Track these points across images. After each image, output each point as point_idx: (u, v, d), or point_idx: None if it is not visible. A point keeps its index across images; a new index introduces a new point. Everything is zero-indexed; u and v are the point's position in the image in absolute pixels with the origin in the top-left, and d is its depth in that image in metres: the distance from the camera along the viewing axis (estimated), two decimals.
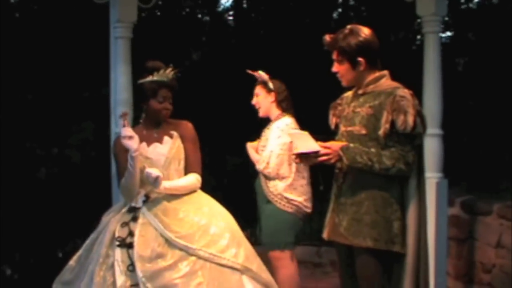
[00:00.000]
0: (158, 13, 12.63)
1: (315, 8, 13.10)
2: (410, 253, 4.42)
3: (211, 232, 4.78)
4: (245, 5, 13.88)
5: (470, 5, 13.06)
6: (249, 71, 6.14)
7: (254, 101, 6.21)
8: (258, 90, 6.17)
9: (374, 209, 4.42)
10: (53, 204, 9.02)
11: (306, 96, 10.62)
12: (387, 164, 4.34)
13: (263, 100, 6.16)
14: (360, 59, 4.48)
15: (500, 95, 10.57)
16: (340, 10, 13.89)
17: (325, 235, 4.68)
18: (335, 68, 4.57)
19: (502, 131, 10.01)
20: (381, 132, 4.38)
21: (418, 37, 12.28)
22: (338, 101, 4.79)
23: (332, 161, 4.46)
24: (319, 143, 4.47)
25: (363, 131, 4.45)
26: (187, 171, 4.98)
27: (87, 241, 4.95)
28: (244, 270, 4.76)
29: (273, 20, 13.03)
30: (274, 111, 6.17)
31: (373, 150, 4.38)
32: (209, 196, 5.05)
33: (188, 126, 5.04)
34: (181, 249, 4.65)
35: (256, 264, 4.85)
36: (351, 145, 4.44)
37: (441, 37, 7.06)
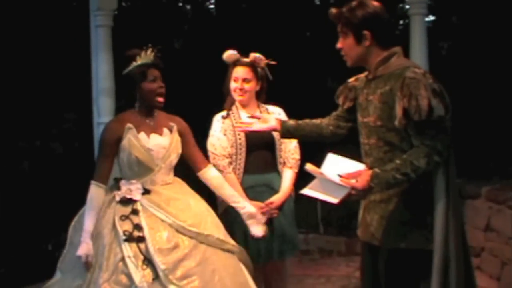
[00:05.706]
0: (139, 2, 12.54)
1: None
2: (438, 251, 3.92)
3: (209, 220, 4.82)
4: None
5: None
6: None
7: (248, 87, 5.56)
8: (248, 75, 5.56)
9: (403, 205, 4.02)
10: (37, 196, 8.96)
11: (291, 84, 10.58)
12: (421, 166, 3.85)
13: (253, 88, 5.60)
14: (365, 32, 4.03)
15: (485, 79, 10.54)
16: None
17: (359, 233, 4.31)
18: (340, 43, 4.14)
19: (489, 116, 9.99)
20: (396, 123, 3.90)
21: (401, 22, 12.24)
22: (353, 81, 4.37)
23: (365, 198, 4.11)
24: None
25: (379, 123, 4.03)
26: (197, 163, 5.01)
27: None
28: (238, 253, 4.86)
29: (256, 7, 12.96)
30: (254, 101, 5.64)
31: (398, 161, 3.90)
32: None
33: (182, 120, 5.01)
34: (191, 237, 4.64)
35: None
36: (377, 170, 3.93)
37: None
